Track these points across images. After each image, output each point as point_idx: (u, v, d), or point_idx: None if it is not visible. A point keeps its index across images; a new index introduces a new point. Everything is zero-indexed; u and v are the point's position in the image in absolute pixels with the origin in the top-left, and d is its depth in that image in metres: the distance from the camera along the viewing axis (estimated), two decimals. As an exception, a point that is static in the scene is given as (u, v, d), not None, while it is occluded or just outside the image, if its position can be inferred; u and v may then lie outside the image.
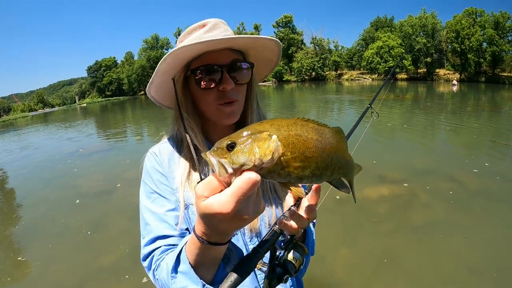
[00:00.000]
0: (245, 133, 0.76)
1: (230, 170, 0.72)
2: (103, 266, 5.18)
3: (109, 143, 17.22)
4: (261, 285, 1.28)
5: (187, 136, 1.11)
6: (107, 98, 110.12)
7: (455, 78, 54.71)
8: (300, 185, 0.86)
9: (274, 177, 0.77)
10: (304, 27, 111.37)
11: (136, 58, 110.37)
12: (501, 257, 4.51)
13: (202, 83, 1.29)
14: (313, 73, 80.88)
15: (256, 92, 1.47)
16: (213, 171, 0.75)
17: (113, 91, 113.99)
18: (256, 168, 0.72)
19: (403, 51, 63.41)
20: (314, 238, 1.44)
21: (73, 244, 6.07)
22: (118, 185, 9.02)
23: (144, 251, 1.23)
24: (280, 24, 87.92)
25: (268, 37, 1.31)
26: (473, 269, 4.28)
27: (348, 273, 4.48)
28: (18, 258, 5.92)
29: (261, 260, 1.11)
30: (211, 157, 0.74)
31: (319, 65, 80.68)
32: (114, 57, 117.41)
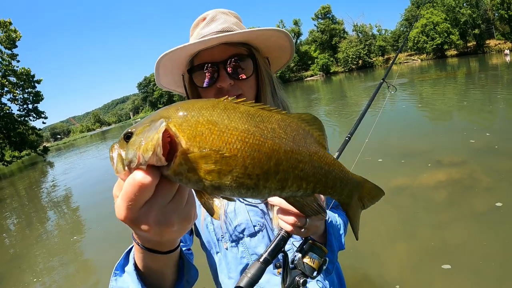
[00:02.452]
0: (146, 120, 0.60)
1: (126, 167, 0.58)
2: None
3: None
4: None
5: None
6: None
7: (507, 48, 51.58)
8: (219, 196, 0.63)
9: (183, 182, 0.59)
10: (344, 16, 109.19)
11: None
12: None
13: (200, 81, 1.28)
14: (360, 61, 79.19)
15: (272, 82, 1.40)
16: None
17: (165, 103, 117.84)
18: (143, 166, 0.56)
19: (449, 25, 60.63)
20: (341, 232, 1.34)
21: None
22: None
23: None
24: (319, 16, 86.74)
25: (260, 28, 1.25)
26: None
27: (406, 270, 4.19)
28: (84, 263, 6.63)
29: (279, 265, 1.13)
30: (115, 150, 0.61)
31: (364, 53, 78.83)
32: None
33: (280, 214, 1.05)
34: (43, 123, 47.88)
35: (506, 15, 52.24)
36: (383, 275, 4.17)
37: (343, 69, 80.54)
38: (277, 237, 1.08)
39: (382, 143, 9.27)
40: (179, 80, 1.38)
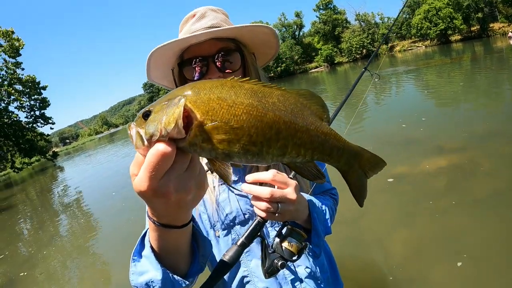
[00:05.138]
0: (163, 99, 0.68)
1: (145, 142, 0.64)
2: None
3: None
4: None
5: None
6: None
7: (511, 30, 51.00)
8: (229, 163, 0.72)
9: (198, 151, 0.67)
10: (345, 5, 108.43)
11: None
12: None
13: (190, 74, 1.34)
14: (364, 51, 78.50)
15: (258, 76, 1.46)
16: None
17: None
18: (164, 138, 0.63)
19: (452, 10, 60.03)
20: (327, 217, 1.41)
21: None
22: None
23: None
24: (321, 7, 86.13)
25: (247, 25, 1.32)
26: None
27: (407, 255, 4.21)
28: (97, 263, 6.75)
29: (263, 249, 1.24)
30: (132, 128, 0.67)
31: (368, 41, 78.21)
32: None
33: (253, 201, 1.16)
34: (51, 128, 48.03)
35: (509, -3, 51.66)
36: (383, 263, 4.20)
37: (347, 59, 79.98)
38: (253, 222, 1.19)
39: (383, 131, 9.29)
40: (168, 75, 1.44)
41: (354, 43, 78.03)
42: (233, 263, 1.11)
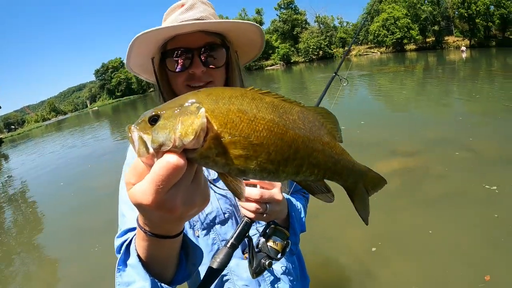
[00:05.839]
0: (174, 104, 0.62)
1: (151, 150, 0.58)
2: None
3: (120, 144, 17.23)
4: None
5: None
6: (117, 99, 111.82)
7: (464, 45, 53.45)
8: (242, 179, 0.67)
9: (209, 165, 0.62)
10: (306, 7, 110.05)
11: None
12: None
13: (172, 65, 1.28)
14: (320, 52, 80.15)
15: (240, 74, 1.43)
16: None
17: (123, 91, 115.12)
18: (178, 150, 0.58)
19: (409, 21, 62.30)
20: (302, 215, 1.43)
21: (90, 243, 6.17)
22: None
23: (116, 243, 1.14)
24: (282, 6, 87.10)
25: (238, 21, 1.29)
26: (496, 243, 3.98)
27: (359, 254, 4.33)
28: (45, 260, 6.43)
29: (246, 250, 1.24)
30: (134, 132, 0.60)
31: (325, 44, 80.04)
32: (120, 58, 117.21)
33: (242, 202, 1.15)
34: (-4, 112, 46.12)
35: (466, 14, 54.43)
36: (340, 259, 4.34)
37: (303, 59, 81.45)
38: (241, 223, 1.17)
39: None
40: (145, 64, 1.37)
41: (312, 44, 79.47)
42: (224, 266, 1.09)
